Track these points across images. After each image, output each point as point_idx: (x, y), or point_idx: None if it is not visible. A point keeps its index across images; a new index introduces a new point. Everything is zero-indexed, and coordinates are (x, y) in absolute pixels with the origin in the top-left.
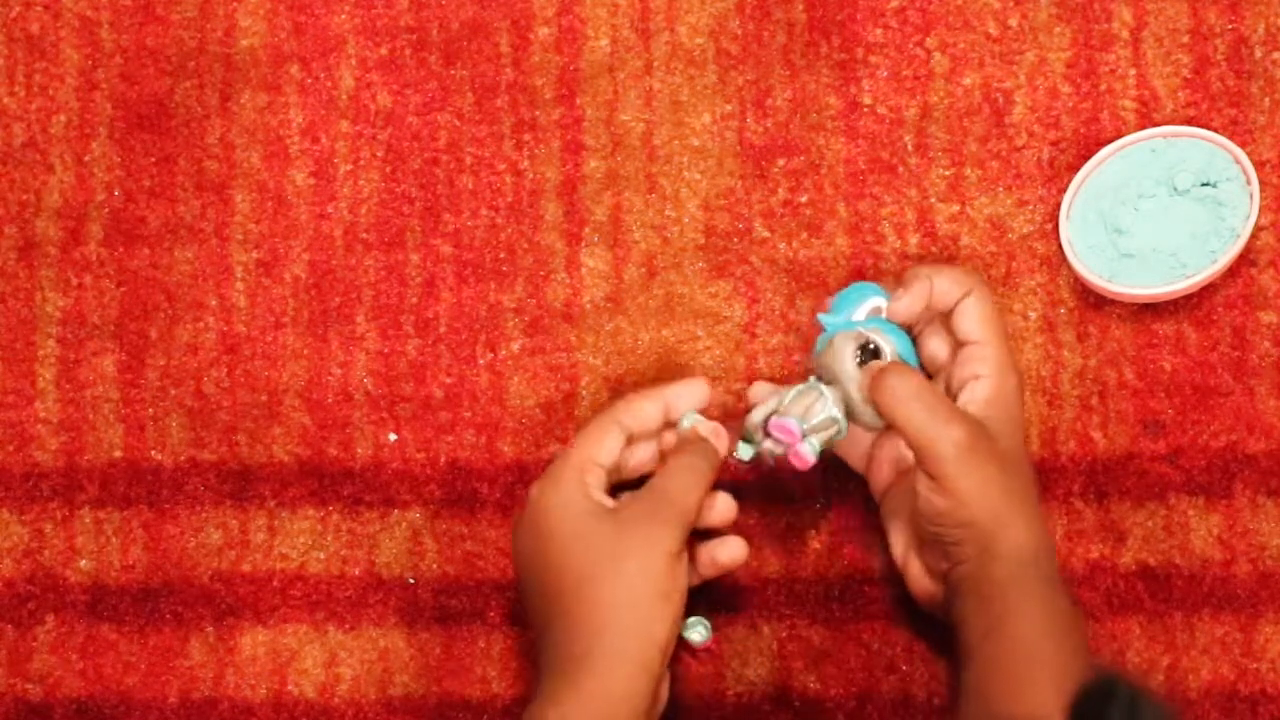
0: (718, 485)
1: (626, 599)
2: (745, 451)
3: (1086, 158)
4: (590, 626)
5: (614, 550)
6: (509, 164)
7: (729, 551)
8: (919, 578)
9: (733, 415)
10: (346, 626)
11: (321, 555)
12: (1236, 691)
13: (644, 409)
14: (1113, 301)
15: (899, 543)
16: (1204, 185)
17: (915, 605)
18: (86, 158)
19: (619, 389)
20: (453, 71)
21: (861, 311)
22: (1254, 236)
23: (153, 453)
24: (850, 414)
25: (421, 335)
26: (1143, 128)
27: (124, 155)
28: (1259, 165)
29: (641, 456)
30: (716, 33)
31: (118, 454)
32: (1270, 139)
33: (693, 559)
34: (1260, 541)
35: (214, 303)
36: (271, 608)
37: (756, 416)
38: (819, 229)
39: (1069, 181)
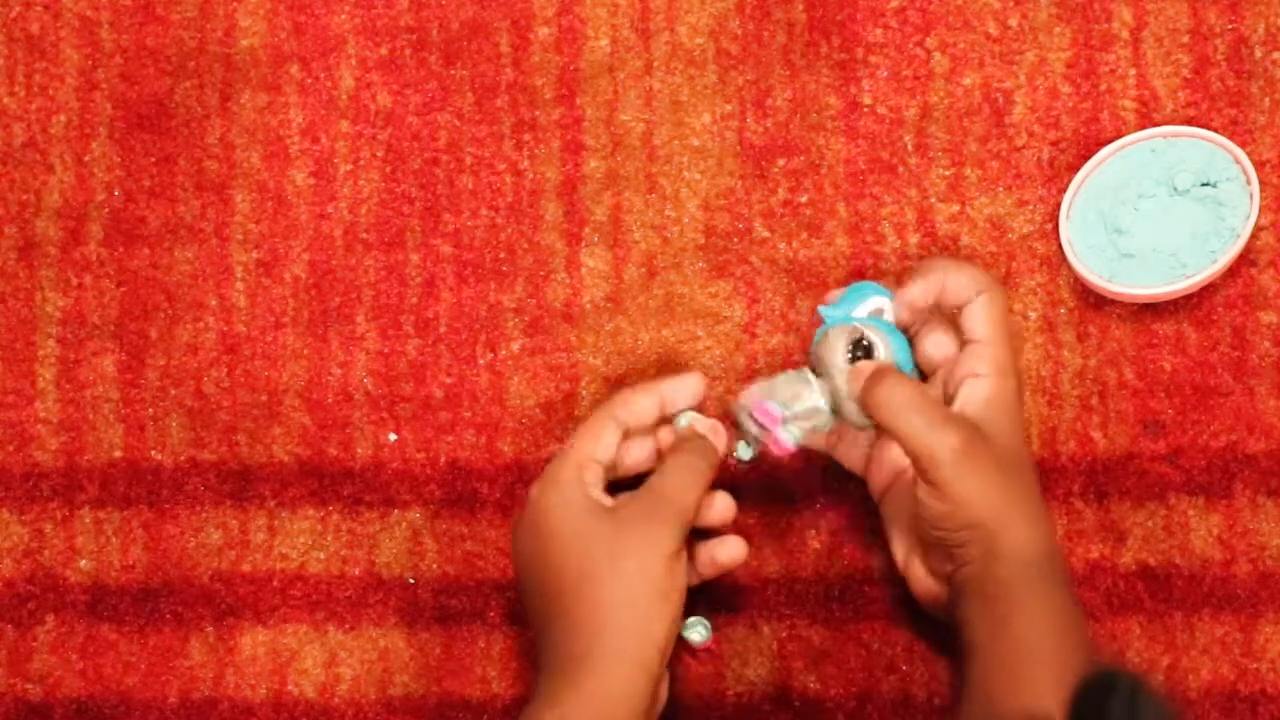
0: (717, 484)
1: (625, 599)
2: (745, 451)
3: (1086, 158)
4: (589, 626)
5: (612, 550)
6: (509, 164)
7: (728, 551)
8: (922, 579)
9: (732, 414)
10: (346, 626)
11: (321, 555)
12: (1236, 691)
13: (639, 403)
14: (1113, 301)
15: (900, 546)
16: (1204, 185)
17: (915, 605)
18: (86, 158)
19: (619, 389)
20: (453, 71)
21: (863, 309)
22: (1254, 236)
23: (153, 453)
24: (836, 407)
25: (421, 335)
26: (1143, 128)
27: (124, 155)
28: (1259, 165)
29: (638, 455)
30: (716, 33)
31: (118, 454)
32: (1270, 139)
33: (692, 558)
34: (1260, 541)
35: (214, 303)
36: (271, 608)
37: (744, 398)
38: (819, 229)
39: (1069, 181)
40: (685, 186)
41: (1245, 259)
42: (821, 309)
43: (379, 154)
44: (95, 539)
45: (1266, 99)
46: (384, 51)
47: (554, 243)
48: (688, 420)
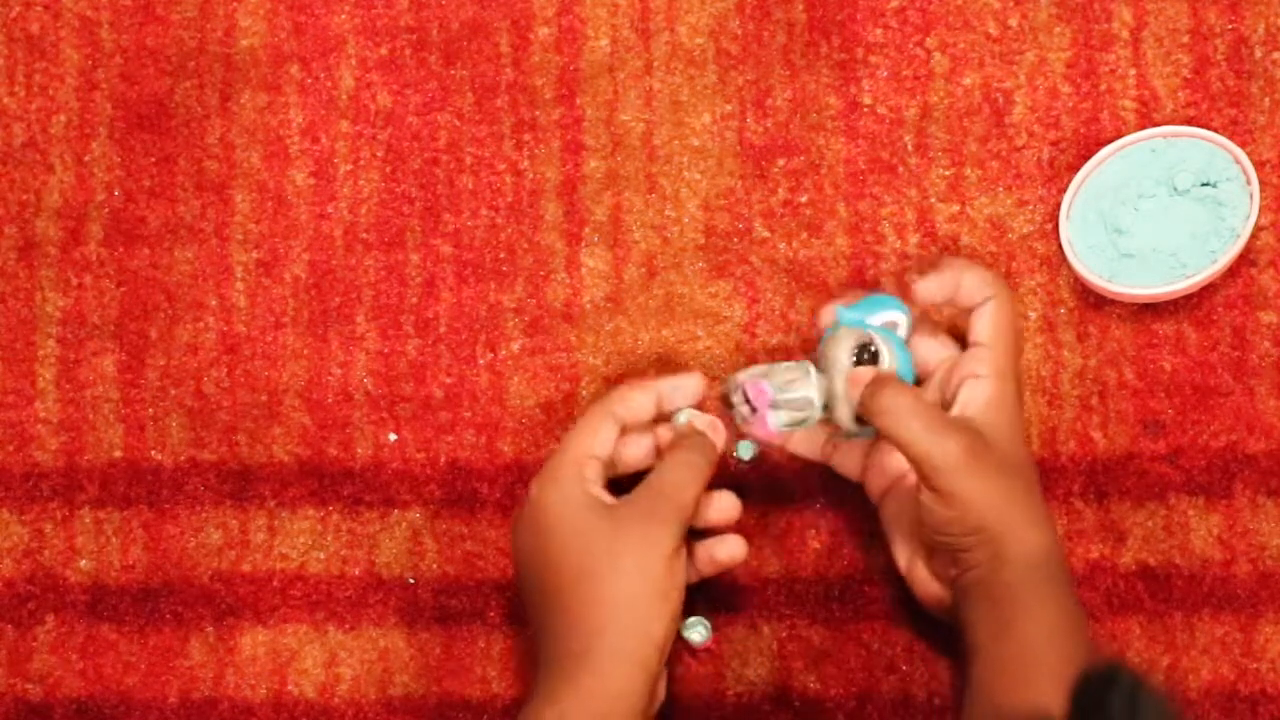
0: (719, 484)
1: (624, 597)
2: (745, 451)
3: (1086, 158)
4: (588, 624)
5: (611, 548)
6: (509, 164)
7: (728, 550)
8: (925, 583)
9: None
10: (346, 626)
11: (321, 555)
12: (1236, 691)
13: (636, 399)
14: (1113, 301)
15: (903, 550)
16: (1204, 185)
17: (915, 605)
18: (86, 158)
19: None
20: (453, 71)
21: (878, 319)
22: (1254, 236)
23: (153, 453)
24: (828, 405)
25: (421, 335)
26: (1143, 128)
27: (124, 155)
28: (1259, 165)
29: (637, 452)
30: (716, 33)
31: (118, 454)
32: (1270, 139)
33: (692, 557)
34: (1260, 541)
35: (214, 303)
36: (271, 608)
37: (740, 375)
38: (819, 229)
39: (1069, 181)
40: (685, 186)
41: (1245, 259)
42: (838, 307)
43: (379, 154)
44: (95, 539)
45: (1266, 99)
46: (384, 51)
47: (554, 243)
48: (686, 417)
